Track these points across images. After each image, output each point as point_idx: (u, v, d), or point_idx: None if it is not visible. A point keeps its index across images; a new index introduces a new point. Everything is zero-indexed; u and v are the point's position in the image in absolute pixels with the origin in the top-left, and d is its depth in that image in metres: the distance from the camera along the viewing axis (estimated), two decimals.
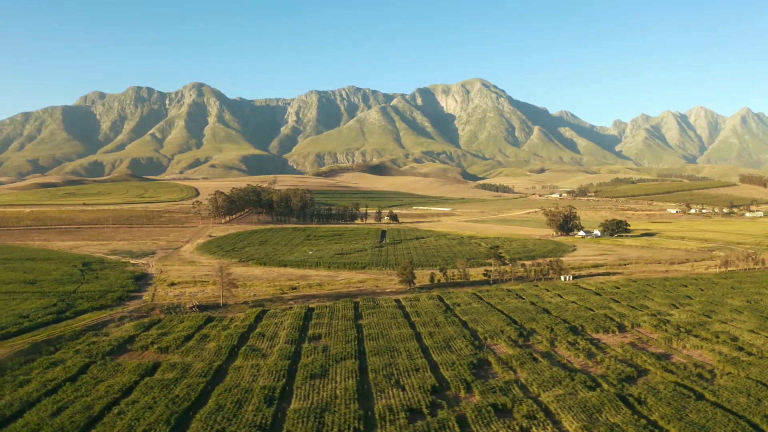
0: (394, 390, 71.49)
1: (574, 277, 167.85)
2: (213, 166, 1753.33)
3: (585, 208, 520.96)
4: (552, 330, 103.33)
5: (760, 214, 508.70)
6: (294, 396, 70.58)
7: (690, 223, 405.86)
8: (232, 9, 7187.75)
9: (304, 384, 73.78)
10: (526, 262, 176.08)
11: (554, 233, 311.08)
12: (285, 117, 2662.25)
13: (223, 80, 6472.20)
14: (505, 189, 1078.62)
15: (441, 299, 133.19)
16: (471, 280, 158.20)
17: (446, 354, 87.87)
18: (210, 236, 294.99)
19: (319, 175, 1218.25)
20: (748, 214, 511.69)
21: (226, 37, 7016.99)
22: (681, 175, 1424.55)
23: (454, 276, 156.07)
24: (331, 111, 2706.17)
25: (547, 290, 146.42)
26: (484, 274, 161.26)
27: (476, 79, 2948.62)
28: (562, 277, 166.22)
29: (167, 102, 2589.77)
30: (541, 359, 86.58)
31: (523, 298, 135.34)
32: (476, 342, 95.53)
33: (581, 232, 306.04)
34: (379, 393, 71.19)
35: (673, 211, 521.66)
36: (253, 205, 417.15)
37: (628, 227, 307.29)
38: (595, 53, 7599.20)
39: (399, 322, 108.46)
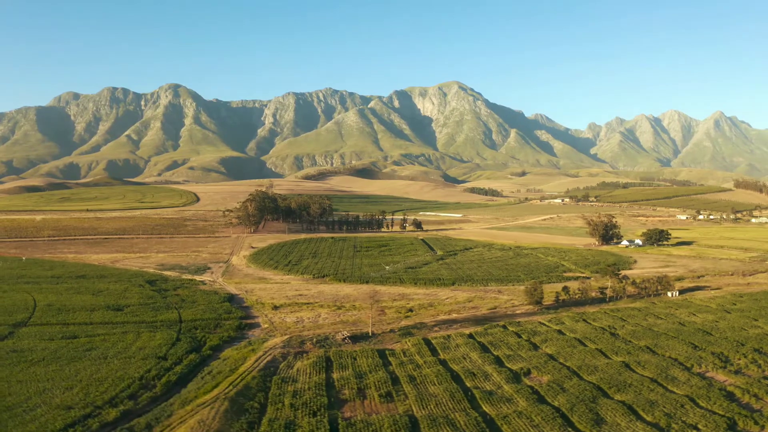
0: None
1: (680, 293, 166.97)
2: (191, 168, 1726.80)
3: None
4: (744, 354, 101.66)
5: (764, 219, 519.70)
6: None
7: (709, 230, 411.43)
8: (208, 10, 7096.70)
9: None
10: (636, 279, 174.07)
11: (596, 242, 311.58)
12: (262, 119, 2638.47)
13: (199, 81, 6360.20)
14: (494, 193, 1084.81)
15: (586, 321, 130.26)
16: (591, 297, 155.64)
17: (682, 385, 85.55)
18: (252, 247, 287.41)
19: (308, 178, 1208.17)
20: (753, 220, 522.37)
21: (202, 38, 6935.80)
22: (660, 179, 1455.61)
23: (575, 294, 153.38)
24: (308, 113, 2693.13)
25: (673, 308, 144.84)
26: (600, 292, 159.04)
27: (453, 82, 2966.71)
28: (669, 293, 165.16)
29: (143, 103, 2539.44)
30: None
31: (662, 318, 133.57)
32: (692, 371, 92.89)
33: (624, 242, 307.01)
34: None
35: (683, 217, 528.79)
36: (270, 212, 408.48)
37: (669, 236, 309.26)
38: (569, 56, 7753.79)
39: (587, 350, 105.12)
